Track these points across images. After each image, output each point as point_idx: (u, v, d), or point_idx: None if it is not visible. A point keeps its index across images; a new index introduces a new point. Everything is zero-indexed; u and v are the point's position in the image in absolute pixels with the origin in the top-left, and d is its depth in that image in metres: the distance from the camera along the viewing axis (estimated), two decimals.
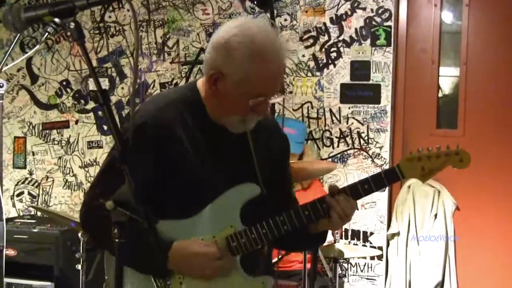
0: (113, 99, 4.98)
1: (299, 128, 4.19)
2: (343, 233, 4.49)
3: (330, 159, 4.53)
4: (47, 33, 1.65)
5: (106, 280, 2.87)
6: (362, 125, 4.50)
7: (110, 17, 5.04)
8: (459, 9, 4.53)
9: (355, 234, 4.50)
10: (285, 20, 4.62)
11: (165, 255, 1.93)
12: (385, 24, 4.46)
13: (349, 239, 4.50)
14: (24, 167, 5.26)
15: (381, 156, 4.47)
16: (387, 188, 4.41)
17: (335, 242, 3.58)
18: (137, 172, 1.58)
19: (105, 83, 5.00)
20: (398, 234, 4.41)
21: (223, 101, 1.99)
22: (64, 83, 5.15)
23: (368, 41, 4.49)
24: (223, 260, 1.98)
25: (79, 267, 3.59)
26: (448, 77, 4.61)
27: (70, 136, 5.14)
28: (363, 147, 4.51)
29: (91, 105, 5.10)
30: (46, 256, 4.25)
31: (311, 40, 4.60)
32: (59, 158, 5.16)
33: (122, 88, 5.02)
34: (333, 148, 4.56)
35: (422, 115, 4.53)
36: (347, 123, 4.53)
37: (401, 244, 4.38)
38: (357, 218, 4.44)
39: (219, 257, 1.98)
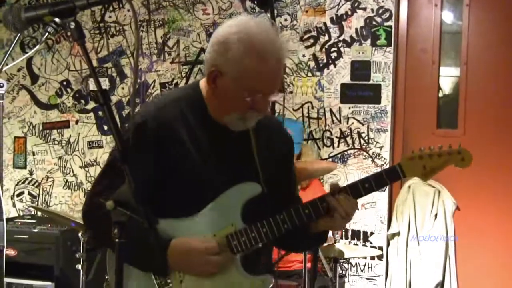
0: (114, 99, 4.98)
1: (296, 129, 4.19)
2: (343, 233, 4.49)
3: (330, 159, 4.53)
4: (47, 33, 1.65)
5: (106, 280, 2.88)
6: (363, 125, 4.50)
7: (110, 17, 5.04)
8: (459, 9, 4.53)
9: (355, 234, 4.50)
10: (286, 20, 4.62)
11: (164, 252, 1.94)
12: (386, 24, 4.46)
13: (349, 239, 4.50)
14: (25, 167, 5.26)
15: (382, 156, 4.47)
16: (387, 188, 4.41)
17: (335, 242, 3.58)
18: (138, 172, 1.58)
19: (105, 83, 5.00)
20: (398, 234, 4.41)
21: (222, 99, 2.00)
22: (65, 83, 5.15)
23: (369, 41, 4.49)
24: (223, 257, 1.99)
25: (79, 267, 3.59)
26: (448, 77, 4.61)
27: (70, 136, 5.14)
28: (363, 147, 4.51)
29: (91, 105, 5.10)
30: (47, 256, 4.25)
31: (312, 40, 4.60)
32: (60, 158, 5.16)
33: (123, 88, 5.02)
34: (333, 148, 4.56)
35: (422, 115, 4.53)
36: (348, 123, 4.53)
37: (401, 244, 4.38)
38: (357, 218, 4.44)
39: (218, 252, 1.98)
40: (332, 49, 4.56)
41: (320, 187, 4.18)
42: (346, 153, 4.54)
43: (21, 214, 5.17)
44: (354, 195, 2.04)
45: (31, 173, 5.24)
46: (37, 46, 2.08)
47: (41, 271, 4.24)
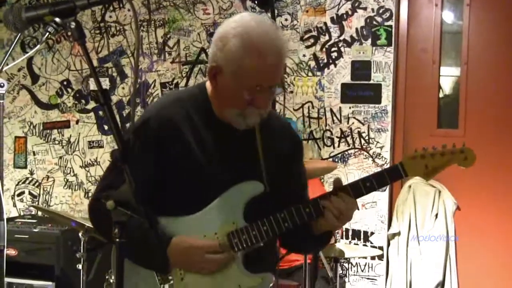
0: (114, 99, 4.98)
1: None
2: (344, 233, 4.49)
3: (330, 159, 4.53)
4: (48, 33, 1.65)
5: (107, 279, 2.88)
6: (363, 125, 4.50)
7: (110, 17, 5.04)
8: (460, 9, 4.53)
9: (356, 234, 4.49)
10: (286, 20, 4.62)
11: (164, 250, 1.94)
12: (386, 24, 4.46)
13: (349, 239, 4.50)
14: (25, 167, 5.26)
15: (382, 156, 4.47)
16: (387, 187, 4.41)
17: (335, 242, 3.58)
18: (139, 171, 1.59)
19: (105, 83, 5.00)
20: (398, 234, 4.41)
21: (222, 95, 2.00)
22: (65, 83, 5.15)
23: (369, 41, 4.49)
24: (223, 255, 1.99)
25: (79, 266, 3.59)
26: (449, 77, 4.61)
27: (70, 136, 5.14)
28: (364, 147, 4.51)
29: (91, 105, 5.10)
30: (47, 256, 4.25)
31: (312, 40, 4.60)
32: (60, 158, 5.16)
33: (123, 88, 5.02)
34: (334, 148, 4.56)
35: (422, 115, 4.53)
36: (348, 123, 4.53)
37: (402, 244, 4.38)
38: (358, 218, 4.44)
39: (217, 251, 1.98)
40: (333, 49, 4.56)
41: (320, 187, 4.18)
42: (346, 153, 4.54)
43: (22, 214, 5.17)
44: (355, 194, 2.03)
45: (31, 173, 5.24)
46: (38, 46, 2.09)
47: (42, 271, 4.25)
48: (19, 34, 1.89)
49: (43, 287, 4.24)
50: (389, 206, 4.49)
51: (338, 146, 4.55)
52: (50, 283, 4.23)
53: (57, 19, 1.59)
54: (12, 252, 4.17)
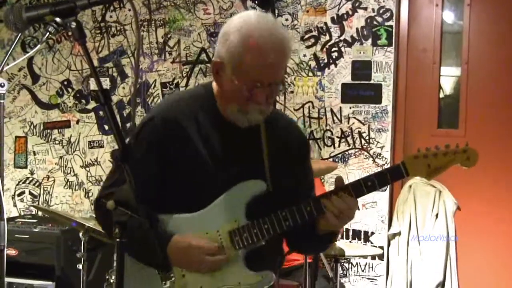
0: (114, 98, 4.98)
1: None
2: (344, 233, 4.49)
3: (331, 159, 4.53)
4: (48, 33, 1.66)
5: (107, 279, 2.88)
6: (363, 125, 4.50)
7: (111, 16, 5.04)
8: (460, 9, 4.52)
9: (356, 234, 4.49)
10: (286, 20, 4.62)
11: (164, 249, 1.95)
12: (386, 24, 4.46)
13: (350, 239, 4.50)
14: (25, 167, 5.26)
15: (382, 156, 4.47)
16: (388, 187, 4.41)
17: (336, 241, 3.57)
18: (141, 170, 1.60)
19: (106, 83, 5.00)
20: (399, 234, 4.40)
21: (224, 91, 2.02)
22: (65, 82, 5.15)
23: (369, 41, 4.49)
24: (222, 256, 2.00)
25: (80, 266, 3.59)
26: (449, 77, 4.61)
27: (71, 135, 5.14)
28: (364, 147, 4.51)
29: (92, 104, 5.10)
30: (47, 256, 4.25)
31: (312, 40, 4.60)
32: (60, 157, 5.16)
33: (123, 87, 5.02)
34: (334, 148, 4.56)
35: (423, 115, 4.53)
36: (348, 123, 4.53)
37: (402, 244, 4.38)
38: (358, 218, 4.43)
39: (215, 252, 1.99)
40: (333, 49, 4.56)
41: (321, 187, 4.18)
42: (347, 153, 4.54)
43: (22, 213, 5.17)
44: (356, 193, 2.02)
45: (32, 173, 5.24)
46: (38, 46, 2.09)
47: (42, 271, 4.25)
48: (20, 34, 1.89)
49: (43, 287, 4.24)
50: (390, 206, 4.49)
51: (339, 146, 4.55)
52: (50, 283, 4.22)
53: (58, 19, 1.59)
54: (12, 252, 4.17)
